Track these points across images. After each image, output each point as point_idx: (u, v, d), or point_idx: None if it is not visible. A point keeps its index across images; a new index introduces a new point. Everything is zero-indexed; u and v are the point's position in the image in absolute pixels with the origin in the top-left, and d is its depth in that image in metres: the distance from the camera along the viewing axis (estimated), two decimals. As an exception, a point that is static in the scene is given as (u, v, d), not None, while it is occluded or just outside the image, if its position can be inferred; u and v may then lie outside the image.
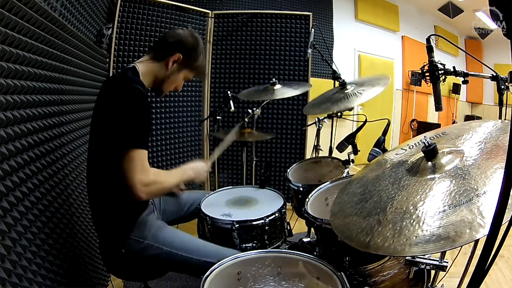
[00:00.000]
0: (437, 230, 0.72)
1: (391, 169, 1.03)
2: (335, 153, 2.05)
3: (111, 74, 2.55)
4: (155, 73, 1.37)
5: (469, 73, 1.38)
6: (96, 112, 1.30)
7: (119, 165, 1.15)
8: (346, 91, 1.81)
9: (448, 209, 0.75)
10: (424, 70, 1.28)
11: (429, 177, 0.88)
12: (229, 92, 2.22)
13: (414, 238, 0.74)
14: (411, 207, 0.82)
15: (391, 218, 0.83)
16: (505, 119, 1.47)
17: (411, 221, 0.78)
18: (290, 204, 1.87)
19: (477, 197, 0.73)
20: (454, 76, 1.35)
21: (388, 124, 1.46)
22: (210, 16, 3.12)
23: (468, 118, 7.59)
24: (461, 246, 0.68)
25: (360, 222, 0.89)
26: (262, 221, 1.44)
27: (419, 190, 0.85)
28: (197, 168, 1.44)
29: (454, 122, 7.14)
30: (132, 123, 1.16)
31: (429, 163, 0.92)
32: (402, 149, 1.13)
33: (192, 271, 1.31)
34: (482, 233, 0.65)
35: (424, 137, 0.97)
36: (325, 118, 2.30)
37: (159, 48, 1.37)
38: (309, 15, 3.16)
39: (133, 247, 1.27)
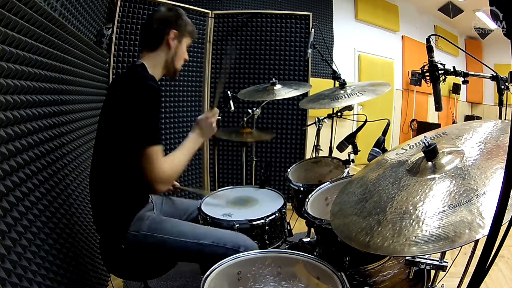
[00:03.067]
0: (436, 231, 0.72)
1: (391, 169, 1.03)
2: (335, 153, 2.05)
3: (111, 74, 2.54)
4: (163, 59, 1.39)
5: (469, 73, 1.38)
6: (107, 109, 1.31)
7: (135, 162, 1.18)
8: (345, 91, 1.81)
9: (447, 209, 0.75)
10: (424, 70, 1.28)
11: (429, 177, 0.88)
12: (229, 92, 2.21)
13: (414, 238, 0.74)
14: (411, 207, 0.82)
15: (390, 218, 0.83)
16: (505, 119, 1.47)
17: (411, 221, 0.78)
18: (290, 204, 1.87)
19: (476, 197, 0.73)
20: (454, 76, 1.34)
21: (388, 124, 1.46)
22: (210, 16, 3.12)
23: (468, 118, 7.58)
24: (461, 247, 0.68)
25: (360, 222, 0.89)
26: (262, 221, 1.45)
27: (419, 190, 0.85)
28: (204, 127, 1.48)
29: (454, 122, 7.14)
30: (149, 121, 1.19)
31: (429, 163, 0.91)
32: (402, 149, 1.13)
33: (189, 257, 1.32)
34: (481, 234, 0.65)
35: (424, 137, 0.97)
36: (325, 118, 2.30)
37: (151, 39, 1.38)
38: (309, 15, 3.16)
39: (131, 241, 1.28)
